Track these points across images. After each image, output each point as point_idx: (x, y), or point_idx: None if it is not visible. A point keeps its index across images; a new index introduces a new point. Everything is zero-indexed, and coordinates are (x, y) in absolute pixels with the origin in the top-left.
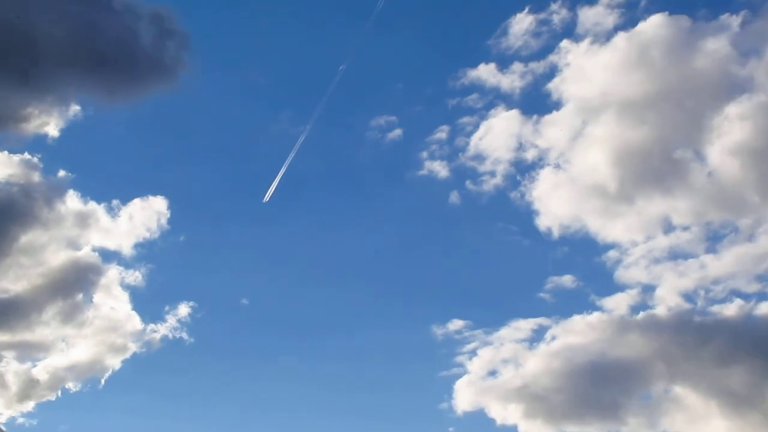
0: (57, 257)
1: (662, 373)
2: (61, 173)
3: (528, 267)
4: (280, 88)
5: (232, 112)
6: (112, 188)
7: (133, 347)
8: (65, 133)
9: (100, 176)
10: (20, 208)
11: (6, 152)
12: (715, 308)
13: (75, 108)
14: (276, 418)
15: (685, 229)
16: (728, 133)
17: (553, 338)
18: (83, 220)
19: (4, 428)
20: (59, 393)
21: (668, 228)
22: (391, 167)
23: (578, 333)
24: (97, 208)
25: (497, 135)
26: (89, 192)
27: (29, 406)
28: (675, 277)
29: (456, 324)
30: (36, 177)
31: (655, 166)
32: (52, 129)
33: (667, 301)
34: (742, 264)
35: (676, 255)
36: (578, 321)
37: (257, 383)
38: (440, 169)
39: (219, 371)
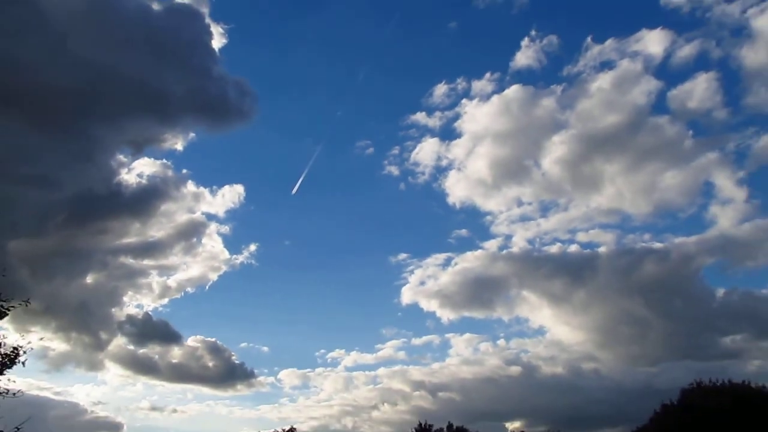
0: (181, 218)
1: (516, 284)
2: (184, 171)
3: (442, 224)
4: (305, 124)
5: (277, 138)
6: (213, 179)
7: (224, 268)
8: (186, 148)
9: (206, 173)
10: (161, 190)
11: (153, 159)
12: (546, 248)
13: (192, 134)
14: (302, 310)
15: (529, 204)
16: (554, 152)
17: (456, 264)
18: (196, 197)
19: (151, 313)
20: (182, 294)
21: (520, 204)
22: (367, 169)
23: (470, 262)
24: (204, 191)
25: (426, 152)
26: (200, 181)
27: (165, 301)
28: (523, 231)
29: (402, 256)
30: (170, 173)
31: (513, 169)
32: (179, 146)
33: (518, 244)
34: (560, 224)
35: (523, 219)
36: (470, 255)
37: (293, 290)
38: (394, 170)
39: (272, 283)
